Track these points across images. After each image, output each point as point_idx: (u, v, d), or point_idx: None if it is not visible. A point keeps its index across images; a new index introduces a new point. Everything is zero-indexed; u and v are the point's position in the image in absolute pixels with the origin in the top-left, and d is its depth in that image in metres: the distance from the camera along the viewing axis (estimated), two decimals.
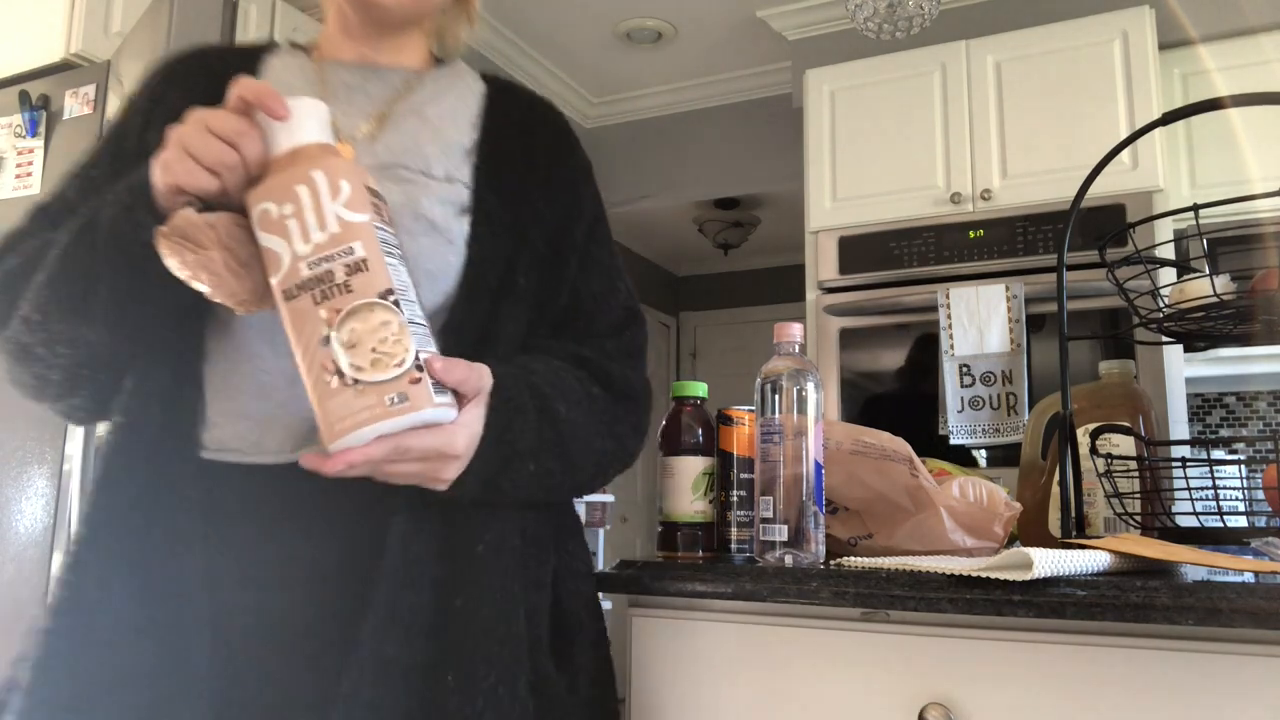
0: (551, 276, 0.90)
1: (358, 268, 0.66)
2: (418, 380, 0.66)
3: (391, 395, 0.65)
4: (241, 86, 0.70)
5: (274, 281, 0.68)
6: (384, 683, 0.72)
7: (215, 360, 0.81)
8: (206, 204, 0.70)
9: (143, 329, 0.78)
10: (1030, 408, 2.42)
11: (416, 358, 0.66)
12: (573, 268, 0.91)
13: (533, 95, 1.00)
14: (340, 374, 0.65)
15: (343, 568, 0.77)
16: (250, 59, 0.92)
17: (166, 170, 0.70)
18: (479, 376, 0.74)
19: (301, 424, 0.79)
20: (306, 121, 0.71)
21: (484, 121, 0.93)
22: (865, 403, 2.79)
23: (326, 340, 0.65)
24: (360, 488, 0.74)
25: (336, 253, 0.66)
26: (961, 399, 2.54)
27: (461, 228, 0.85)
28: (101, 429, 1.78)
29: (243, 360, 0.80)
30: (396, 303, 0.67)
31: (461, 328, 0.82)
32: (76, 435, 2.07)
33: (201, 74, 0.90)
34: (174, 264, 0.68)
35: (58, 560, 2.02)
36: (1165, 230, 2.43)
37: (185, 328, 0.80)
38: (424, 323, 0.70)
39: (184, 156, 0.69)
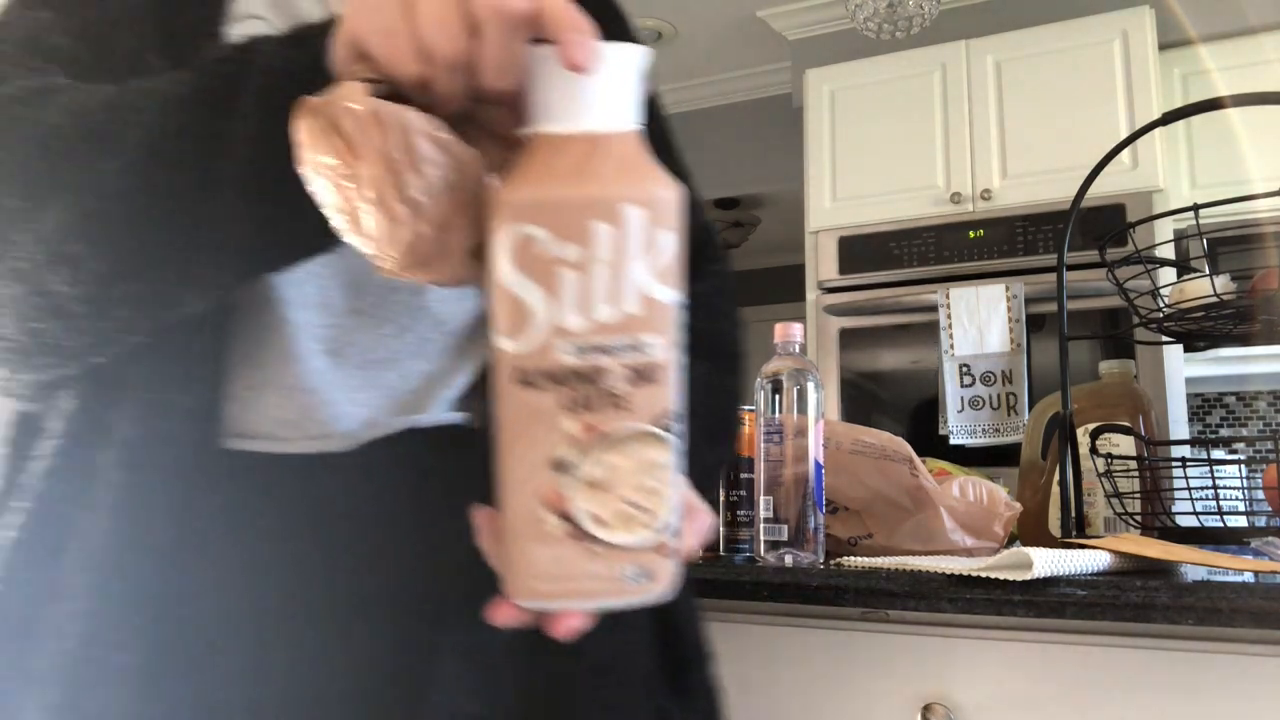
0: None
1: (646, 376, 0.44)
2: (666, 552, 0.45)
3: (633, 569, 0.45)
4: None
5: (508, 347, 0.43)
6: None
7: (241, 317, 0.59)
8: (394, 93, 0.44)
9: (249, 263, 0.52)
10: (1030, 408, 2.42)
11: (674, 518, 0.46)
12: None
13: None
14: (570, 520, 0.44)
15: (405, 590, 0.59)
16: None
17: (357, 15, 0.44)
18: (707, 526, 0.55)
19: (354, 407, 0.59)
20: (623, 88, 0.44)
21: None
22: (865, 403, 2.80)
23: (563, 466, 0.44)
24: (420, 484, 0.59)
25: (623, 345, 0.44)
26: (961, 399, 2.54)
27: None
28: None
29: (276, 320, 0.59)
30: (673, 435, 0.45)
31: None
32: None
33: None
34: (313, 166, 0.44)
35: None
36: (1165, 230, 2.43)
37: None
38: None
39: (395, 6, 0.43)
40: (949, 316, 2.59)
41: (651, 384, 0.44)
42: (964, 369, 2.55)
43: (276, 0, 0.64)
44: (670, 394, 0.45)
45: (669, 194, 0.43)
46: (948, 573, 0.83)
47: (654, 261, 0.43)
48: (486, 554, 0.47)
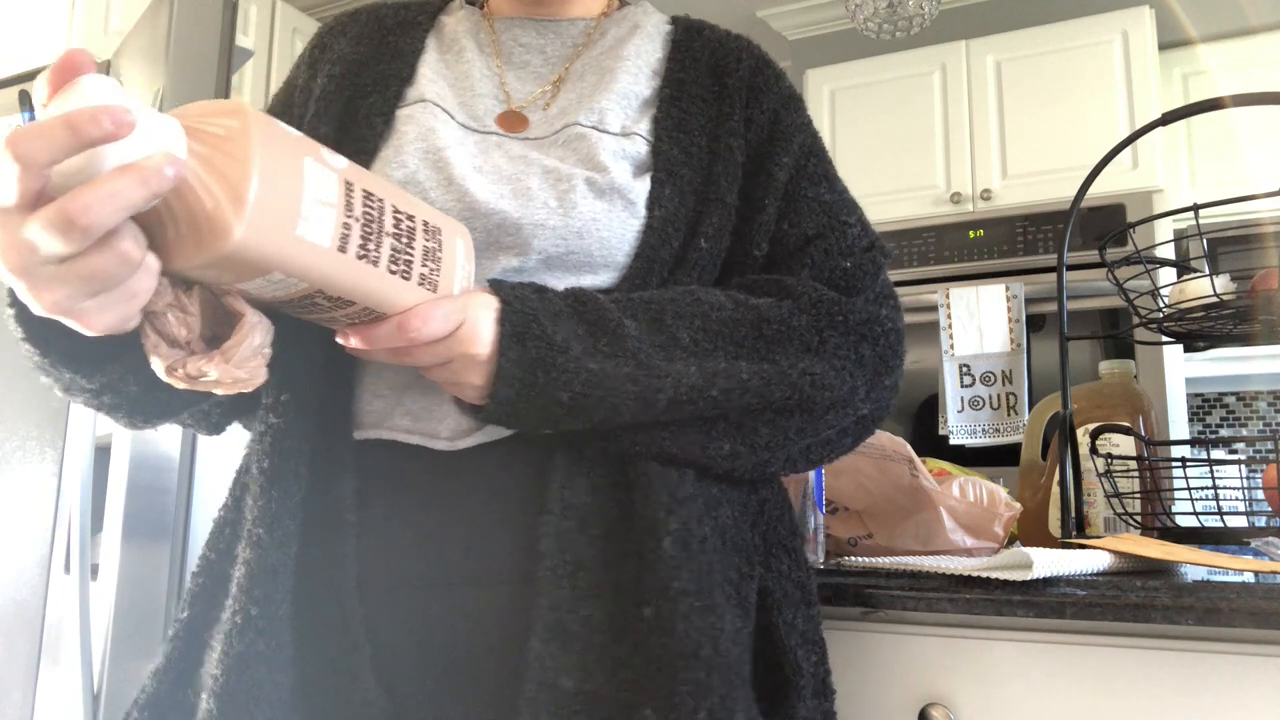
0: (745, 228, 0.77)
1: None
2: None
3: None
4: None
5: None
6: None
7: None
8: None
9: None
10: (1030, 408, 2.42)
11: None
12: (770, 213, 0.77)
13: (725, 33, 0.87)
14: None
15: (505, 569, 0.65)
16: (425, 12, 0.86)
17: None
18: None
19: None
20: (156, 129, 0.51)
21: (668, 67, 0.81)
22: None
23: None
24: (525, 468, 0.66)
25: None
26: (961, 399, 2.54)
27: (642, 187, 0.73)
28: (104, 422, 1.78)
29: None
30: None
31: None
32: (77, 433, 2.07)
33: (373, 23, 0.84)
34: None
35: (58, 558, 2.02)
36: (1165, 230, 2.43)
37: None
38: None
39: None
40: (949, 316, 2.59)
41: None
42: (964, 369, 2.55)
43: (450, 88, 0.79)
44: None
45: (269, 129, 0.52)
46: (948, 573, 0.83)
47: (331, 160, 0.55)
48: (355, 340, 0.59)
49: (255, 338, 0.56)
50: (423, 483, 0.67)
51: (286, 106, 0.82)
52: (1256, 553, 0.93)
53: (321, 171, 0.53)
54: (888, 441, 1.04)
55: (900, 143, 2.87)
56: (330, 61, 0.81)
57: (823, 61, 3.08)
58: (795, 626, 0.71)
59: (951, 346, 2.58)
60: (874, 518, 1.04)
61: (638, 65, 0.80)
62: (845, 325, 0.73)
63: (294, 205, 0.51)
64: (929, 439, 2.56)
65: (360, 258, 0.55)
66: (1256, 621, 0.72)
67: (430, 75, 0.79)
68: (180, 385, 0.56)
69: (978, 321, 2.56)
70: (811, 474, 0.94)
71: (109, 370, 0.64)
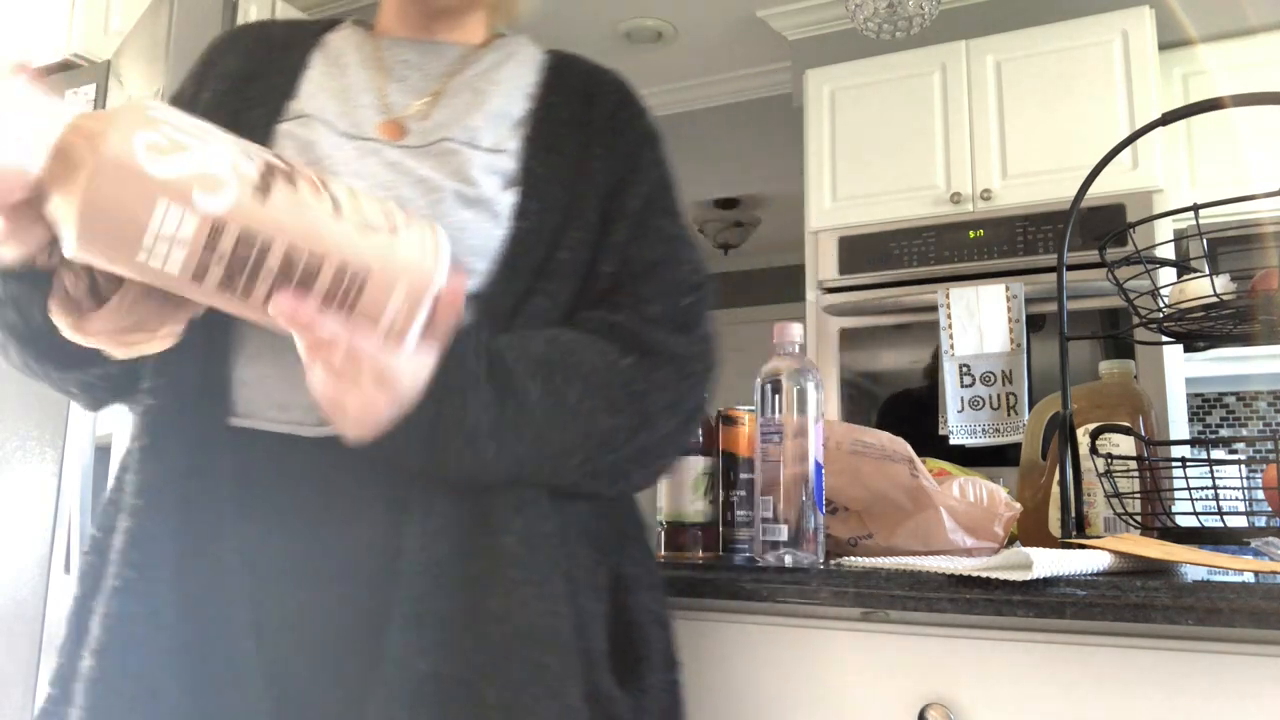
0: (600, 245, 0.83)
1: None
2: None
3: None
4: None
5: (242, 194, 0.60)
6: (417, 702, 0.66)
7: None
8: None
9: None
10: (1030, 408, 2.42)
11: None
12: (622, 235, 0.83)
13: (596, 65, 0.95)
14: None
15: (371, 561, 0.71)
16: (312, 32, 0.91)
17: None
18: None
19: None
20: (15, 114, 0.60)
21: (540, 91, 0.88)
22: (865, 403, 2.79)
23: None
24: (371, 469, 0.71)
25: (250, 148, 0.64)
26: (961, 399, 2.54)
27: (508, 200, 0.80)
28: (105, 416, 1.78)
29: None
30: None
31: (495, 307, 0.77)
32: (76, 432, 2.07)
33: (261, 40, 0.90)
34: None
35: (58, 558, 2.01)
36: (1165, 230, 2.43)
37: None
38: None
39: None
40: (949, 316, 2.59)
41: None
42: (964, 369, 2.55)
43: (332, 99, 0.84)
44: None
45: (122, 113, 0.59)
46: (948, 573, 0.83)
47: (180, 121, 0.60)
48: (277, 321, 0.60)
49: (122, 305, 0.64)
50: (293, 467, 0.73)
51: None
52: (1256, 553, 0.93)
53: (176, 212, 0.57)
54: (888, 441, 1.04)
55: (900, 143, 2.87)
56: (217, 77, 0.86)
57: (823, 61, 3.08)
58: (646, 606, 0.80)
59: (951, 346, 2.57)
60: (874, 518, 1.04)
61: (511, 88, 0.87)
62: (687, 378, 0.81)
63: (132, 237, 0.57)
64: (929, 439, 2.56)
65: (222, 289, 0.60)
66: (1256, 621, 0.72)
67: (312, 90, 0.85)
68: (63, 329, 0.65)
69: (978, 321, 2.55)
70: (812, 474, 0.94)
71: (13, 285, 0.70)
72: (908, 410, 2.75)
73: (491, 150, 0.82)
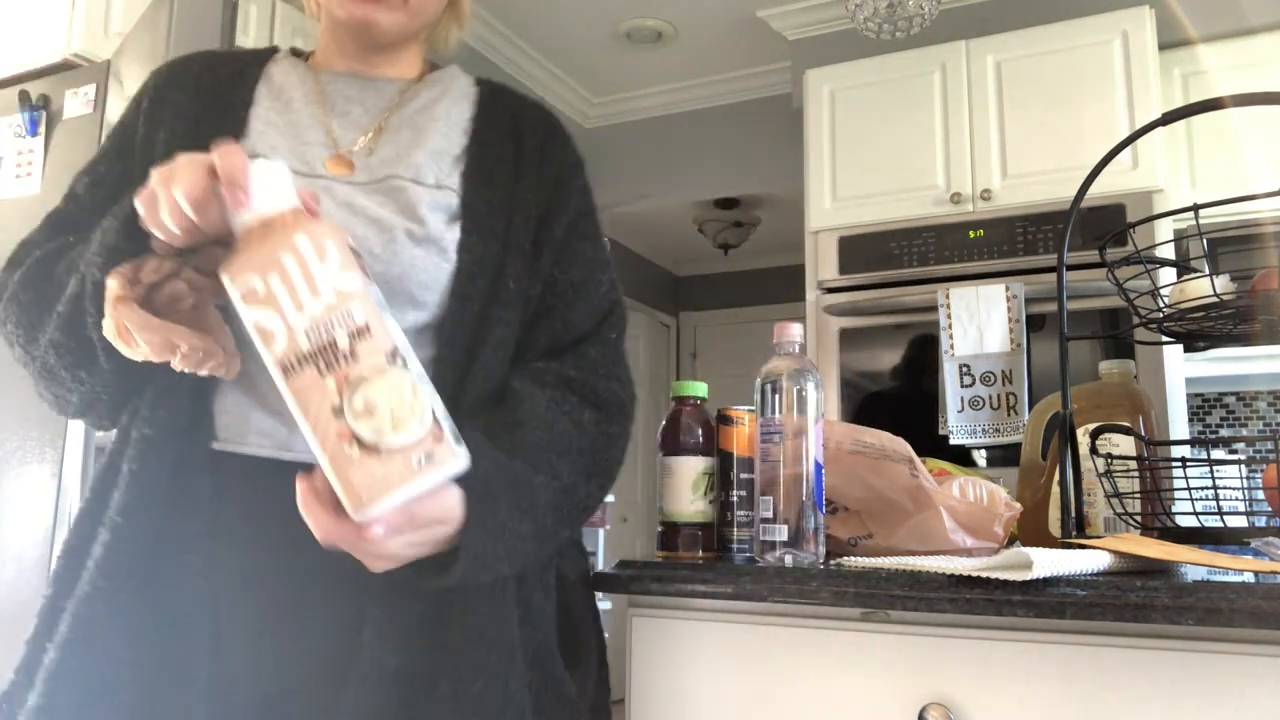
0: (532, 271, 0.90)
1: (361, 333, 0.65)
2: (440, 436, 0.65)
3: (418, 455, 0.64)
4: (220, 154, 0.67)
5: (271, 357, 0.65)
6: (389, 693, 0.74)
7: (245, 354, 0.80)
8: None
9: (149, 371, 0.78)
10: (1030, 408, 2.42)
11: (433, 413, 0.65)
12: (547, 260, 0.91)
13: (523, 98, 1.01)
14: (360, 442, 0.63)
15: (342, 575, 0.76)
16: (253, 64, 0.95)
17: (142, 206, 0.70)
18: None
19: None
20: (275, 187, 0.68)
21: (474, 127, 0.94)
22: (865, 403, 2.79)
23: (339, 411, 0.63)
24: None
25: (335, 319, 0.65)
26: (961, 399, 2.54)
27: (453, 235, 0.86)
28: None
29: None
30: (404, 361, 0.66)
31: (453, 337, 0.83)
32: (76, 434, 2.07)
33: (206, 75, 0.93)
34: (128, 351, 0.71)
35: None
36: (1165, 230, 2.43)
37: None
38: (426, 374, 0.69)
39: (153, 203, 0.69)
40: (949, 316, 2.59)
41: (369, 337, 0.65)
42: (964, 369, 2.55)
43: (281, 136, 0.89)
44: (384, 337, 0.65)
45: (319, 223, 0.68)
46: (948, 573, 0.83)
47: (330, 264, 0.66)
48: (306, 511, 0.66)
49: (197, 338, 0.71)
50: (273, 488, 0.77)
51: (121, 152, 0.90)
52: (1256, 553, 0.93)
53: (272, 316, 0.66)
54: (888, 441, 1.04)
55: (900, 143, 2.87)
56: (170, 116, 0.89)
57: (823, 61, 3.08)
58: (583, 601, 0.92)
59: (951, 346, 2.57)
60: (874, 518, 1.04)
61: (448, 125, 0.93)
62: (627, 420, 0.90)
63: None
64: (929, 439, 2.56)
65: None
66: (1256, 621, 0.72)
67: (261, 127, 0.89)
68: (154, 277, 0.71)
69: (978, 321, 2.55)
70: (812, 474, 0.94)
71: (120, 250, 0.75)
72: (892, 407, 2.75)
73: (435, 187, 0.88)
